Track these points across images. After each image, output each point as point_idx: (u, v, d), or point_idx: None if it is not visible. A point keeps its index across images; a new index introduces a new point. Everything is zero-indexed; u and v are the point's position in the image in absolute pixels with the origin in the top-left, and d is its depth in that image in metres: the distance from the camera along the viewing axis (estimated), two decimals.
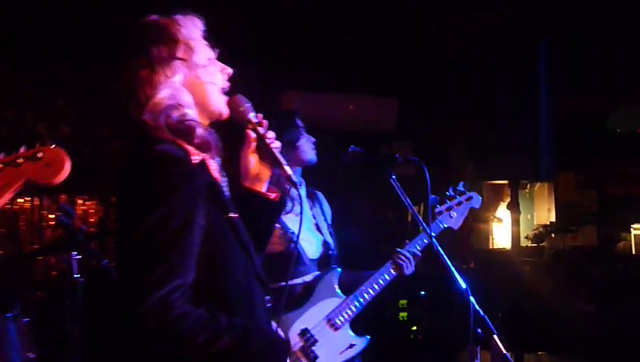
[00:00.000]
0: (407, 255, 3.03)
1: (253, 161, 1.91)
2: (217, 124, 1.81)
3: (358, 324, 3.05)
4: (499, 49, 5.55)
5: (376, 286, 3.02)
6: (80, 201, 5.70)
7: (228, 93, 1.83)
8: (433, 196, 3.04)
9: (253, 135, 1.87)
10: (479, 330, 2.26)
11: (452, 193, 3.19)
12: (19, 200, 5.47)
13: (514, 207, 5.85)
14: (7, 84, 5.27)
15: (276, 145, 1.88)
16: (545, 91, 5.51)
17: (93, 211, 5.75)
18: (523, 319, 5.31)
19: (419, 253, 3.05)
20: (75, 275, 3.27)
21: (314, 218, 3.17)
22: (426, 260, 3.03)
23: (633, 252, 6.30)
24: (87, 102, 5.41)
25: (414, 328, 5.25)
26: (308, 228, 3.13)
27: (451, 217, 3.16)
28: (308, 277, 3.05)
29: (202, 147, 1.67)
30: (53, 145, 1.51)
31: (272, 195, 1.95)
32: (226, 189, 1.81)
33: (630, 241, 6.36)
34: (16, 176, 1.49)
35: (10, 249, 5.41)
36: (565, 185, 7.14)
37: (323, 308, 2.98)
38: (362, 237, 5.38)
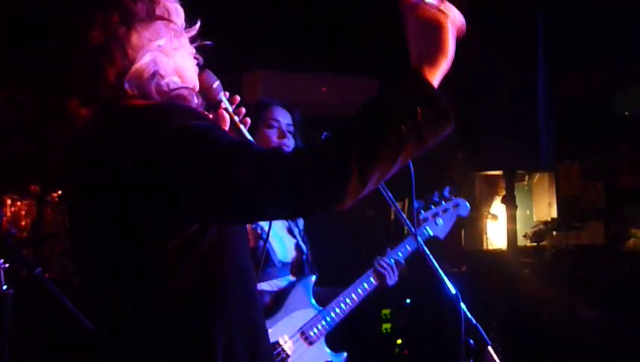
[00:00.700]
0: (391, 263, 3.06)
1: None
2: None
3: (334, 338, 3.06)
4: (491, 21, 5.55)
5: (354, 297, 3.04)
6: (9, 201, 5.63)
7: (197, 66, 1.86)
8: (417, 202, 3.08)
9: (226, 116, 1.92)
10: (471, 341, 2.28)
11: (437, 199, 3.27)
12: None
13: (510, 201, 5.89)
14: None
15: (246, 121, 1.95)
16: (544, 69, 5.52)
17: (24, 213, 5.68)
18: (520, 328, 5.37)
19: (403, 262, 3.08)
20: (2, 287, 3.24)
21: (286, 220, 3.19)
22: (412, 264, 3.06)
23: None
24: (16, 85, 5.33)
25: (399, 341, 5.29)
26: (279, 228, 3.15)
27: (437, 224, 3.25)
28: (282, 282, 3.05)
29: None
30: None
31: None
32: None
33: None
34: None
35: None
36: (568, 176, 7.21)
37: (296, 320, 2.99)
38: (339, 240, 5.39)
